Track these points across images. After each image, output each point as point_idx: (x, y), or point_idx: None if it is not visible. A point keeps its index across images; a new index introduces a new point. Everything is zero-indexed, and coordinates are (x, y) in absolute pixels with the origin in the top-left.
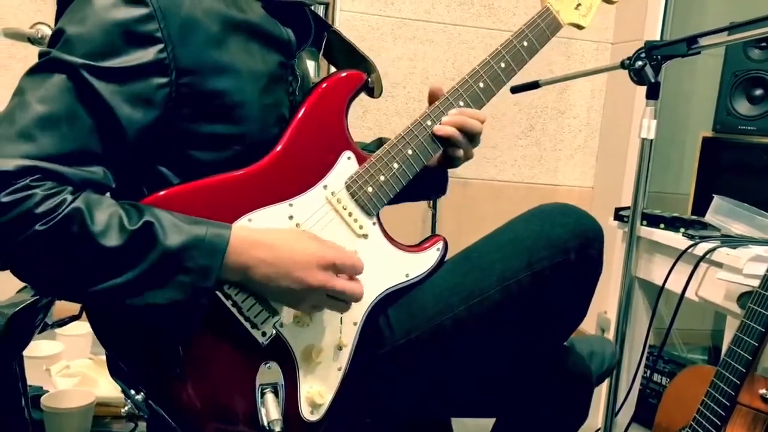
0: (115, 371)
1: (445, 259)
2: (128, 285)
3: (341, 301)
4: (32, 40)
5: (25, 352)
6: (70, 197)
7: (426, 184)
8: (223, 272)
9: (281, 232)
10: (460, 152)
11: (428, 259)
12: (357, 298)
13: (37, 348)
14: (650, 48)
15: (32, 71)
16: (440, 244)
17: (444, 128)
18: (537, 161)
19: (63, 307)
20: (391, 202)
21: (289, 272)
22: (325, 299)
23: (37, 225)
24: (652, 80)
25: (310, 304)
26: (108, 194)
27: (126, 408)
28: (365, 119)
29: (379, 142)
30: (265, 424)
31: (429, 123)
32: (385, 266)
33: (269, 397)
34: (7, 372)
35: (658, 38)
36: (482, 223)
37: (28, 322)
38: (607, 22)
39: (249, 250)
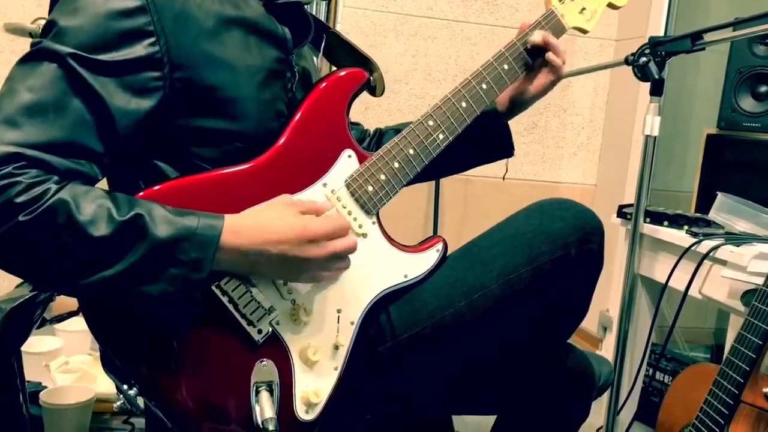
0: (108, 365)
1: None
2: (119, 277)
3: (339, 260)
4: (33, 35)
5: (24, 348)
6: (54, 186)
7: (487, 141)
8: (216, 264)
9: (267, 212)
10: (558, 60)
11: (427, 260)
12: (353, 250)
13: (36, 344)
14: (654, 44)
15: (23, 60)
16: (440, 245)
17: (539, 34)
18: (540, 158)
19: (62, 303)
20: (451, 172)
21: (282, 253)
22: (324, 264)
23: (20, 215)
24: (656, 77)
25: (310, 275)
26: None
27: (118, 403)
28: (366, 116)
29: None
30: (259, 422)
31: (431, 123)
32: (384, 266)
33: (264, 395)
34: (6, 368)
35: (662, 34)
36: (484, 220)
37: (27, 317)
38: (610, 19)
39: (241, 239)
